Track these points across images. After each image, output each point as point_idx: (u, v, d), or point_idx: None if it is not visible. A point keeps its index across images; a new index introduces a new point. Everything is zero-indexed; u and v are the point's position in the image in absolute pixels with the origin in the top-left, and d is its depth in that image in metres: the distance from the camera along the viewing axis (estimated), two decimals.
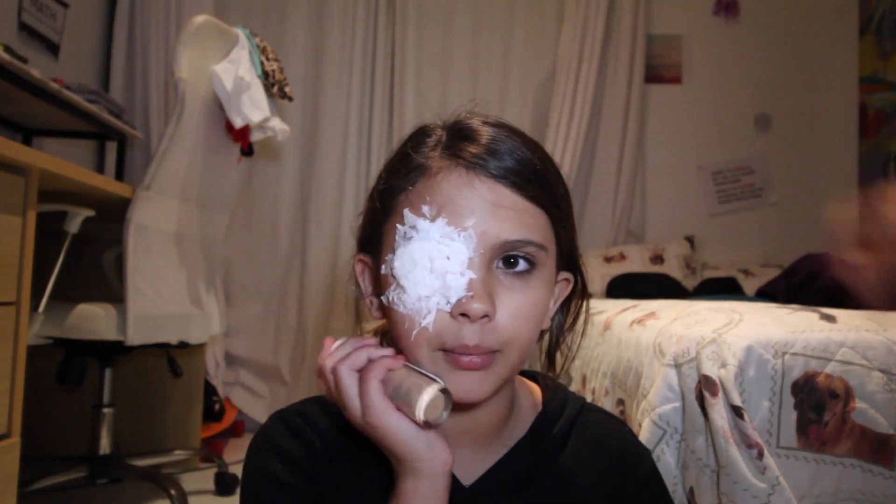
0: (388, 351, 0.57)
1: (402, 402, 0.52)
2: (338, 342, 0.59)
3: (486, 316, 0.52)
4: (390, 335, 0.69)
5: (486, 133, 0.56)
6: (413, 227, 0.53)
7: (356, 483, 0.61)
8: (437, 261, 0.52)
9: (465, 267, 0.52)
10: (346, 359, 0.55)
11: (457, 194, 0.53)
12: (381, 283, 0.58)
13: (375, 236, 0.59)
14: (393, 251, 0.55)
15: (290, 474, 0.60)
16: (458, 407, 0.56)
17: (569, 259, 0.62)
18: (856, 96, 2.86)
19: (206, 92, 1.64)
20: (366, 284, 0.63)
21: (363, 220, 0.62)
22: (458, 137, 0.56)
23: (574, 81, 2.89)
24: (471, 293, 0.51)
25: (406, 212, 0.54)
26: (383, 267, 0.56)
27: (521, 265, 0.55)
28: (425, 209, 0.53)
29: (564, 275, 0.63)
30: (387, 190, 0.57)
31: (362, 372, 0.54)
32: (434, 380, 0.52)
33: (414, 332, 0.53)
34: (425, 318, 0.53)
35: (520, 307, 0.54)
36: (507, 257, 0.54)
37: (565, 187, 0.59)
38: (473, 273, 0.52)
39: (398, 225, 0.54)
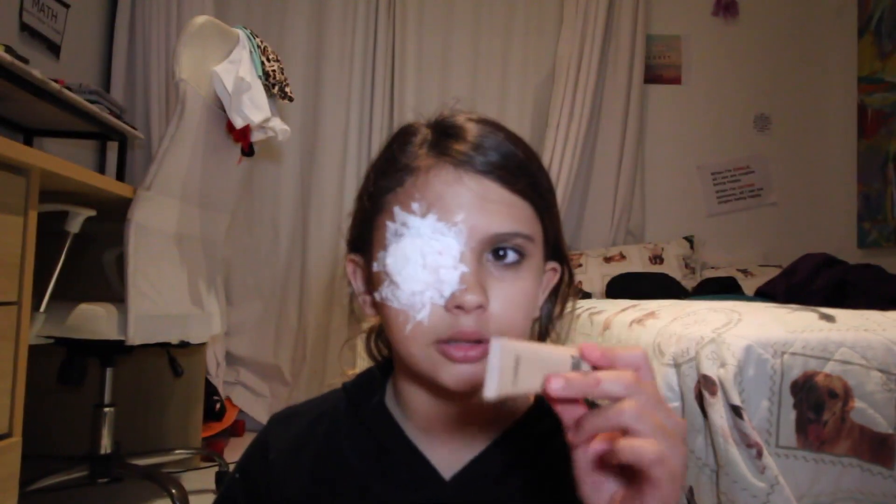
0: None
1: None
2: None
3: (480, 307, 0.53)
4: (384, 334, 0.70)
5: (471, 130, 0.57)
6: (404, 224, 0.55)
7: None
8: (429, 256, 0.53)
9: (458, 261, 0.53)
10: None
11: (446, 190, 0.54)
12: (373, 281, 0.59)
13: (365, 236, 0.60)
14: (384, 248, 0.56)
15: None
16: (451, 394, 0.56)
17: (555, 249, 0.63)
18: (855, 96, 2.86)
19: (207, 92, 1.64)
20: (358, 284, 0.64)
21: (353, 221, 0.63)
22: (444, 135, 0.57)
23: (574, 81, 2.89)
24: (464, 286, 0.53)
25: (396, 209, 0.55)
26: (375, 265, 0.57)
27: (511, 256, 0.56)
28: (415, 206, 0.54)
29: (552, 264, 0.64)
30: (376, 190, 0.59)
31: None
32: None
33: (408, 326, 0.54)
34: (420, 312, 0.54)
35: (511, 297, 0.55)
36: (497, 249, 0.56)
37: (548, 178, 0.61)
38: (465, 266, 0.53)
39: (388, 223, 0.56)
